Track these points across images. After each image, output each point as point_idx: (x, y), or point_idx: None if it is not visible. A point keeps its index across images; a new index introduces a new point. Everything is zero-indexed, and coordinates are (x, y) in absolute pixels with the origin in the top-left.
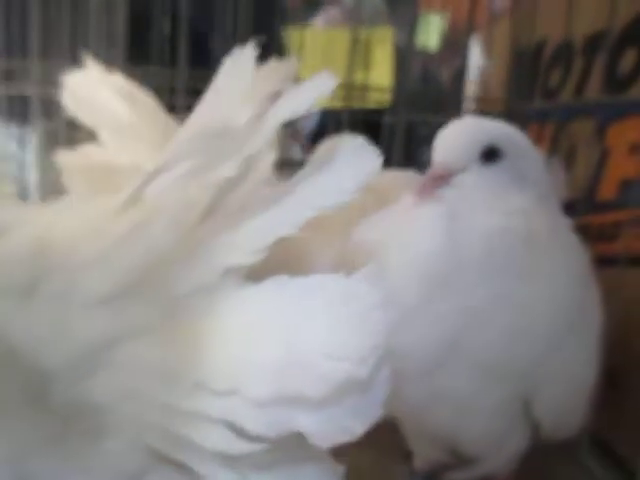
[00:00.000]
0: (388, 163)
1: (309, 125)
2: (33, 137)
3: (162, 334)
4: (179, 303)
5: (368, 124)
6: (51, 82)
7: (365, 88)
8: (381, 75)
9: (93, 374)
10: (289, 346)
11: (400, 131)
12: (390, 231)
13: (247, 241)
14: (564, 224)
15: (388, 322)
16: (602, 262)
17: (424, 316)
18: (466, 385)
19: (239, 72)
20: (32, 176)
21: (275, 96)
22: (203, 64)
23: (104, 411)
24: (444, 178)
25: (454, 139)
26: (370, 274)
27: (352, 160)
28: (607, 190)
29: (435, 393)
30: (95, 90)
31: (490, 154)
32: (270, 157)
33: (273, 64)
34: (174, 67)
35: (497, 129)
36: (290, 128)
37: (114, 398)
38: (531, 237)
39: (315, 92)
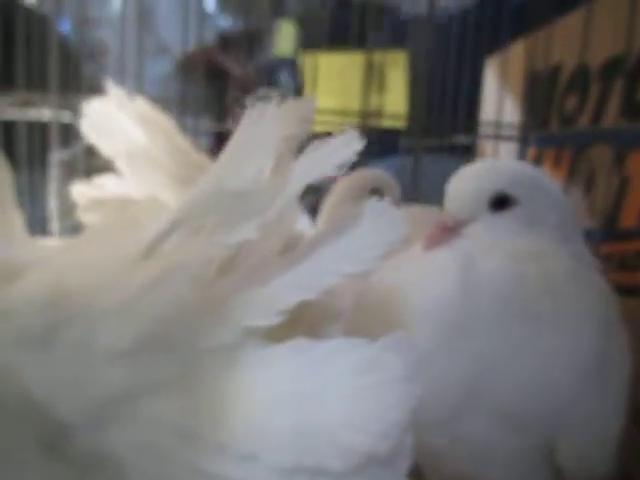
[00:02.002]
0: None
1: None
2: (52, 165)
3: (181, 390)
4: (198, 360)
5: (383, 146)
6: (69, 109)
7: (380, 113)
8: (396, 98)
9: (111, 427)
10: (309, 415)
11: (417, 154)
12: (406, 275)
13: (269, 302)
14: (588, 264)
15: (413, 395)
16: (624, 292)
17: (441, 363)
18: (485, 432)
19: (261, 127)
20: (50, 204)
21: (293, 139)
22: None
23: (122, 464)
24: (453, 229)
25: (462, 189)
26: (396, 342)
27: (377, 226)
28: (628, 218)
29: (454, 440)
30: (115, 118)
31: (500, 202)
32: (294, 216)
33: (291, 104)
34: None
35: (508, 175)
36: None
37: (132, 451)
38: (547, 282)
39: (341, 155)
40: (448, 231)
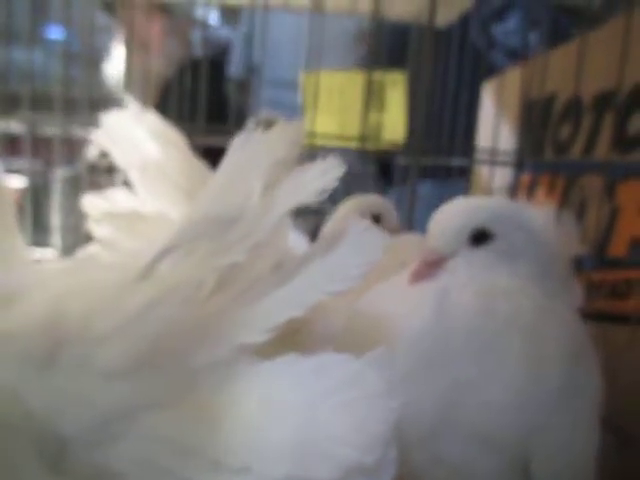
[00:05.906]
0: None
1: None
2: (55, 181)
3: (177, 408)
4: (194, 378)
5: (381, 165)
6: (74, 126)
7: (378, 135)
8: (394, 118)
9: (110, 444)
10: (299, 428)
11: (413, 173)
12: (391, 303)
13: (259, 320)
14: (560, 300)
15: (394, 409)
16: (614, 320)
17: (418, 388)
18: (462, 453)
19: (249, 152)
20: (54, 220)
21: (284, 165)
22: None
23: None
24: (436, 264)
25: (443, 225)
26: (379, 358)
27: (358, 245)
28: (618, 247)
29: (433, 460)
30: (130, 131)
31: (479, 237)
32: (283, 236)
33: (280, 127)
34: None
35: (487, 211)
36: None
37: (131, 467)
38: (516, 318)
39: (322, 181)
40: (432, 266)
